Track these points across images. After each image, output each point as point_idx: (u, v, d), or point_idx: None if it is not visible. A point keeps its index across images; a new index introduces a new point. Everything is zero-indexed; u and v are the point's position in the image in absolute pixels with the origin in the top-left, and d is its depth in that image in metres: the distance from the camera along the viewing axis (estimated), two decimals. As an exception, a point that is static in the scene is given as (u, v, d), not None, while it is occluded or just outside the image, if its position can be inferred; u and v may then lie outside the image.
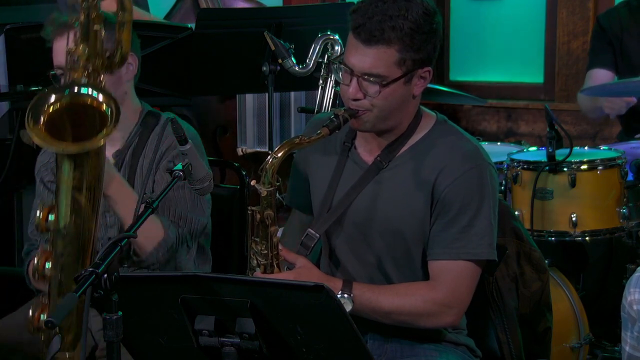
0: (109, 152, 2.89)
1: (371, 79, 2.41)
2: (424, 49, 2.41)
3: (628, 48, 4.33)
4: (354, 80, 2.43)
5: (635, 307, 2.36)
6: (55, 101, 2.48)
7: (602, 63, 4.36)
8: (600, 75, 4.34)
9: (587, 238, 3.61)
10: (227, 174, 4.52)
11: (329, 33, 3.72)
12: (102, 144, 2.47)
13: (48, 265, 2.54)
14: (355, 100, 2.44)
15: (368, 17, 2.38)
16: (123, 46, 2.55)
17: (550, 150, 3.54)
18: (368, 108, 2.44)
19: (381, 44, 2.38)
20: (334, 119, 2.44)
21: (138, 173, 2.86)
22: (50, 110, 2.48)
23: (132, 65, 2.84)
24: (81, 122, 2.50)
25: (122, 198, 2.69)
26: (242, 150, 4.81)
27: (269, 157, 2.40)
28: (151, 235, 2.72)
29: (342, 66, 2.46)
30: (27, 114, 2.45)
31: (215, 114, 4.87)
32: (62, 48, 2.70)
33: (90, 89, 2.49)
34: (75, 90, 2.49)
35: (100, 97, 2.47)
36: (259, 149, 4.69)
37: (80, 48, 2.51)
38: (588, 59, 4.57)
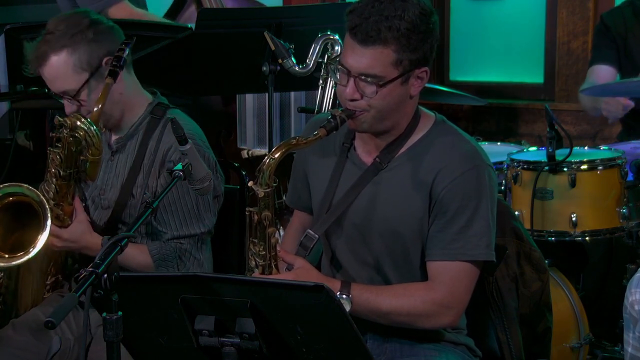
0: (113, 138, 2.97)
1: (368, 79, 2.41)
2: (420, 49, 2.41)
3: (632, 48, 4.33)
4: (351, 80, 2.43)
5: (636, 307, 2.35)
6: None
7: (604, 59, 4.36)
8: (603, 71, 4.34)
9: (587, 238, 3.61)
10: (231, 175, 4.52)
11: (329, 33, 3.71)
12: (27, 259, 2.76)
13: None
14: (352, 100, 2.44)
15: (364, 18, 2.38)
16: (89, 174, 2.80)
17: (550, 150, 3.54)
18: (365, 109, 2.44)
19: (378, 44, 2.38)
20: (331, 119, 2.44)
21: (142, 169, 2.89)
22: None
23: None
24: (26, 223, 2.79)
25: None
26: (247, 153, 4.80)
27: (265, 158, 2.40)
28: (140, 264, 2.84)
29: (339, 67, 2.46)
30: None
31: (219, 116, 4.87)
32: (50, 74, 2.80)
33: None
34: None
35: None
36: (259, 149, 4.68)
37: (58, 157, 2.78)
38: (590, 55, 4.57)
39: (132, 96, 2.92)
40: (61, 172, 2.79)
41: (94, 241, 2.84)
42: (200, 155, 2.76)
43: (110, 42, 2.84)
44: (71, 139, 2.73)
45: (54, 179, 2.81)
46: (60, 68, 2.78)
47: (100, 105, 2.76)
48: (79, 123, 2.71)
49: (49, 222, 2.74)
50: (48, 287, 2.98)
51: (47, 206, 2.74)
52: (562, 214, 3.58)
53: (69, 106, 2.83)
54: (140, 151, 2.89)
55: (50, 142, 2.84)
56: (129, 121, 2.93)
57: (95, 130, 2.72)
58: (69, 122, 2.72)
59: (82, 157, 2.77)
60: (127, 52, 2.77)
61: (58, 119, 2.75)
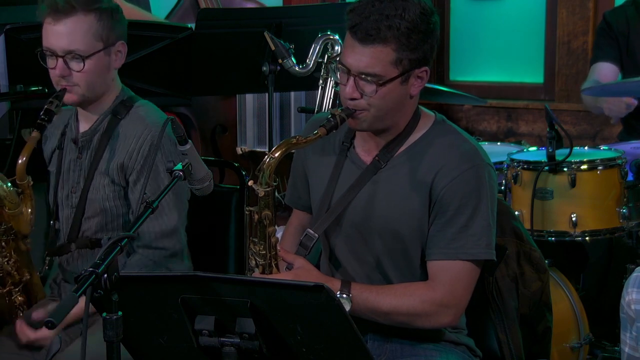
0: (81, 131, 2.96)
1: (368, 78, 2.41)
2: (420, 49, 2.41)
3: (634, 47, 4.33)
4: (351, 79, 2.43)
5: (633, 307, 2.35)
6: None
7: (607, 57, 4.36)
8: (605, 69, 4.34)
9: (587, 238, 3.61)
10: (226, 174, 4.52)
11: (329, 33, 3.72)
12: None
13: None
14: (352, 99, 2.44)
15: (365, 17, 2.38)
16: (16, 227, 2.83)
17: (550, 150, 3.54)
18: (365, 107, 2.44)
19: (377, 43, 2.38)
20: (331, 119, 2.44)
21: (100, 165, 2.87)
22: None
23: (121, 53, 2.88)
24: None
25: None
26: (241, 150, 4.81)
27: (266, 157, 2.40)
28: None
29: (340, 66, 2.46)
30: None
31: (214, 113, 4.87)
32: (52, 31, 2.78)
33: None
34: None
35: None
36: (258, 149, 4.69)
37: None
38: (592, 53, 4.57)
39: (114, 85, 2.91)
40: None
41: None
42: (174, 147, 2.73)
43: (125, 31, 2.89)
44: None
45: None
46: (83, 26, 2.77)
47: (24, 158, 2.78)
48: None
49: None
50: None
51: None
52: (562, 214, 3.58)
53: (62, 68, 2.78)
54: (101, 144, 2.88)
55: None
56: (99, 109, 2.90)
57: (7, 186, 2.76)
58: None
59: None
60: (55, 106, 2.80)
61: None
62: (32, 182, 2.88)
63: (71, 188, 2.93)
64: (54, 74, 2.81)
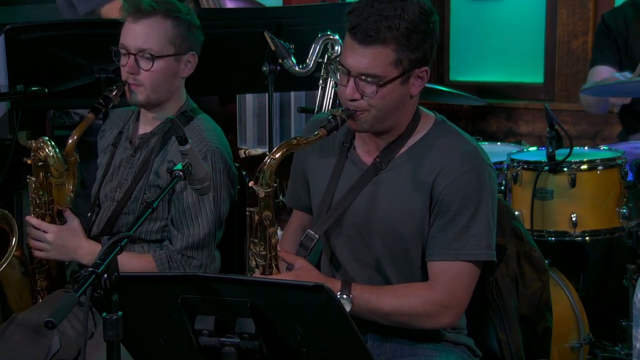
0: (139, 133, 3.01)
1: (368, 79, 2.41)
2: (420, 49, 2.41)
3: (633, 48, 4.33)
4: (351, 80, 2.43)
5: None
6: None
7: (606, 60, 4.36)
8: (604, 73, 4.34)
9: (587, 238, 3.61)
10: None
11: (329, 33, 3.71)
12: None
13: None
14: (352, 100, 2.44)
15: (364, 18, 2.38)
16: (56, 199, 2.89)
17: (550, 150, 3.54)
18: (365, 108, 2.44)
19: (377, 44, 2.38)
20: (331, 119, 2.44)
21: (152, 165, 2.92)
22: None
23: (190, 64, 2.97)
24: None
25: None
26: (245, 153, 4.80)
27: (266, 158, 2.40)
28: (145, 269, 2.85)
29: (339, 67, 2.46)
30: None
31: (218, 116, 4.86)
32: (129, 30, 2.87)
33: None
34: None
35: None
36: (259, 149, 4.68)
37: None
38: (592, 55, 4.57)
39: (179, 95, 3.00)
40: (37, 200, 2.88)
41: (86, 245, 2.86)
42: (226, 170, 2.82)
43: (198, 45, 3.00)
44: (39, 163, 2.84)
45: (31, 208, 2.90)
46: (160, 28, 2.87)
47: (75, 137, 2.85)
48: (43, 146, 2.83)
49: (14, 240, 2.86)
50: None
51: (13, 221, 2.86)
52: (562, 214, 3.58)
53: (131, 65, 2.87)
54: (156, 147, 2.93)
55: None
56: (162, 115, 2.97)
57: (57, 153, 2.83)
58: (34, 144, 2.84)
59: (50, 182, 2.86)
60: (113, 93, 2.90)
61: (31, 143, 2.86)
62: (79, 160, 2.95)
63: (117, 183, 2.98)
64: (123, 71, 2.90)
